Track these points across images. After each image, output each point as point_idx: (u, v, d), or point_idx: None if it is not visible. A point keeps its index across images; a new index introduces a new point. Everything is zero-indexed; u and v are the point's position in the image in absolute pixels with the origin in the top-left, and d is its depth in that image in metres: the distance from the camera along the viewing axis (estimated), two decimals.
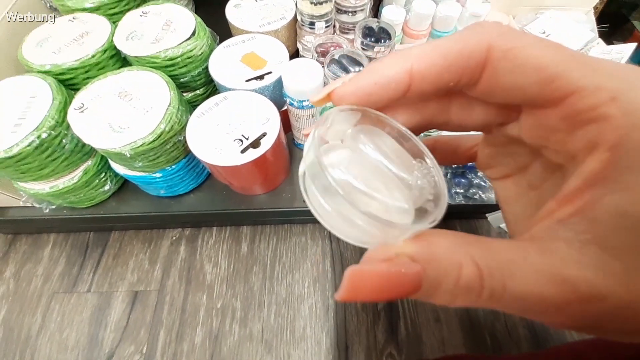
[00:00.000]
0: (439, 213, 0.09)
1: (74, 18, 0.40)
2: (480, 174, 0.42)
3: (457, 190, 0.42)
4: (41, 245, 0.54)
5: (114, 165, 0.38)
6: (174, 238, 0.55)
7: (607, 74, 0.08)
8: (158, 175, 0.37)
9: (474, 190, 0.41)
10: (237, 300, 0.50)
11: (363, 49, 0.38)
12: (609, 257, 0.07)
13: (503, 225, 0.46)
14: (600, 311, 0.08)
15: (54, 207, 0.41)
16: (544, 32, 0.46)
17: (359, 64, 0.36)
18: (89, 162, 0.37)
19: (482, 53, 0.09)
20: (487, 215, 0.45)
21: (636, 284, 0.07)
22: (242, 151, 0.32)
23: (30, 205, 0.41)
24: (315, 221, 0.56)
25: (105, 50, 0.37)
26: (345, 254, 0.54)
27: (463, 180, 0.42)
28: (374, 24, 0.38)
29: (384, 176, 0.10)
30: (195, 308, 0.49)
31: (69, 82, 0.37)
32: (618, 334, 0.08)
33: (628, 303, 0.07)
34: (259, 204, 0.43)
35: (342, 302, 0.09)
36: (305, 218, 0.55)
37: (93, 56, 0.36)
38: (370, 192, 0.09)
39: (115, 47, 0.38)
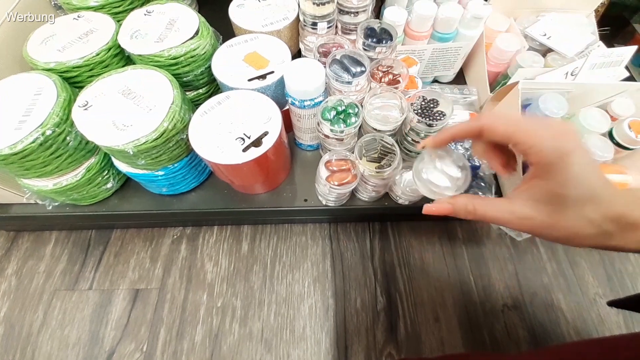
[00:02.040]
0: (463, 189, 0.24)
1: (78, 16, 0.40)
2: (479, 175, 0.42)
3: None
4: (43, 242, 0.55)
5: (117, 163, 0.38)
6: (175, 236, 0.55)
7: (534, 133, 0.18)
8: (160, 173, 0.37)
9: (474, 191, 0.42)
10: (237, 299, 0.50)
11: (365, 49, 0.38)
12: (537, 204, 0.19)
13: (503, 227, 0.46)
14: (531, 225, 0.19)
15: (57, 204, 0.41)
16: (545, 35, 0.46)
17: (360, 64, 0.36)
18: (93, 160, 0.38)
19: (479, 129, 0.20)
20: None
21: (549, 216, 0.18)
22: (244, 150, 0.33)
23: (33, 202, 0.41)
24: (315, 221, 0.56)
25: (110, 49, 0.37)
26: (345, 254, 0.54)
27: None
28: (375, 24, 0.39)
29: (442, 173, 0.24)
30: (196, 306, 0.49)
31: (74, 80, 0.37)
32: (546, 239, 0.20)
33: (546, 224, 0.19)
34: (259, 203, 0.44)
35: (425, 213, 0.23)
36: (306, 218, 0.55)
37: (97, 54, 0.37)
38: (436, 181, 0.24)
39: (119, 46, 0.38)
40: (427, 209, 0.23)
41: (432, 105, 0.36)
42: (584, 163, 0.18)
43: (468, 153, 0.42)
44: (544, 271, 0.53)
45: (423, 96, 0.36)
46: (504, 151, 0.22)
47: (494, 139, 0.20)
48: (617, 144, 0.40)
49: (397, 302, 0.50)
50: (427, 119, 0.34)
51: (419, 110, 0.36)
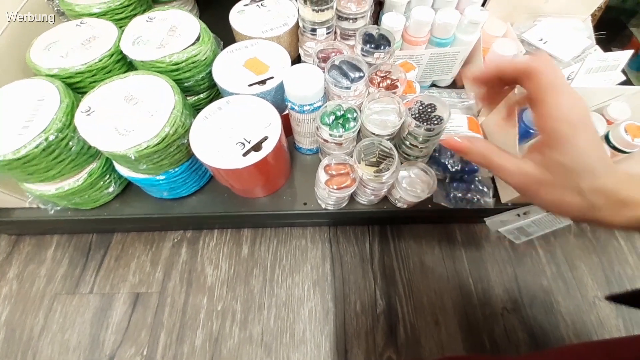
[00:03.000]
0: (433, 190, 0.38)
1: (81, 23, 0.41)
2: (478, 179, 0.42)
3: (456, 194, 0.42)
4: (45, 246, 0.55)
5: (119, 168, 0.38)
6: (176, 240, 0.55)
7: (558, 102, 0.20)
8: (161, 177, 0.37)
9: (472, 195, 0.42)
10: (238, 303, 0.50)
11: (363, 55, 0.38)
12: (539, 166, 0.20)
13: (501, 230, 0.46)
14: (526, 181, 0.21)
15: (59, 208, 0.41)
16: (542, 39, 0.47)
17: (359, 69, 0.37)
18: (94, 164, 0.38)
19: (530, 70, 0.21)
20: (485, 219, 0.45)
21: (545, 177, 0.20)
22: (244, 154, 0.33)
23: (35, 206, 0.42)
24: (315, 225, 0.56)
25: (112, 55, 0.38)
26: (345, 257, 0.54)
27: (461, 184, 0.43)
28: (374, 30, 0.39)
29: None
30: (196, 310, 0.49)
31: (76, 86, 0.38)
32: (535, 202, 0.22)
33: (540, 183, 0.20)
34: (260, 207, 0.44)
35: (441, 142, 0.25)
36: (305, 221, 0.55)
37: (100, 60, 0.37)
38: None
39: (121, 52, 0.38)
40: (445, 140, 0.24)
41: (429, 110, 0.36)
42: (588, 138, 0.19)
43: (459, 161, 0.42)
44: (543, 274, 0.54)
45: (421, 101, 0.37)
46: (499, 98, 0.26)
47: (530, 89, 0.21)
48: (614, 148, 0.41)
49: (397, 306, 0.50)
50: (425, 124, 0.35)
51: (417, 115, 0.36)
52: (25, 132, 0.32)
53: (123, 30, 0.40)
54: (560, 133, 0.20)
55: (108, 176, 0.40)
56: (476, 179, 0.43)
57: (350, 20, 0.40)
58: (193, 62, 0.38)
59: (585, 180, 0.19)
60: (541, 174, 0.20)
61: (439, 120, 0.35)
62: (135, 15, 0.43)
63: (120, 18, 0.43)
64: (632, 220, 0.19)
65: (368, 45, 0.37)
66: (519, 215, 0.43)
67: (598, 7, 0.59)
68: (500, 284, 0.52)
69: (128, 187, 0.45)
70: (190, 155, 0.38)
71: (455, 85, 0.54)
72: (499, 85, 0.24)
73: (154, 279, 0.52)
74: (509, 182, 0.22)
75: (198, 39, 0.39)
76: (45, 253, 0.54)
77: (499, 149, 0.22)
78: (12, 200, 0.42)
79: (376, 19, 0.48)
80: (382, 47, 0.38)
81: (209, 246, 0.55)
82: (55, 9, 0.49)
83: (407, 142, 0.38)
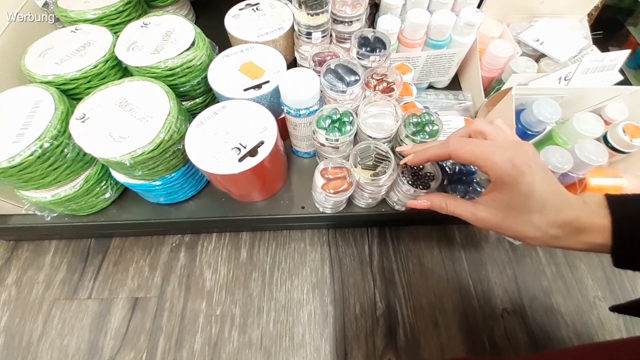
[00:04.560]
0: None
1: (76, 29, 0.41)
2: (475, 180, 0.42)
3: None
4: (43, 251, 0.55)
5: (115, 174, 0.38)
6: (174, 244, 0.55)
7: (493, 158, 0.23)
8: (157, 183, 0.37)
9: (470, 197, 0.42)
10: (236, 307, 0.50)
11: (359, 58, 0.38)
12: (494, 210, 0.24)
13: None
14: (486, 225, 0.24)
15: (55, 214, 0.41)
16: (538, 40, 0.47)
17: (355, 73, 0.37)
18: (90, 171, 0.38)
19: (448, 154, 0.26)
20: None
21: (502, 220, 0.23)
22: (240, 159, 0.33)
23: (32, 212, 0.42)
24: (314, 227, 0.56)
25: (107, 61, 0.38)
26: (344, 260, 0.54)
27: (460, 186, 0.42)
28: (369, 34, 0.39)
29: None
30: (195, 315, 0.49)
31: (71, 92, 0.38)
32: (502, 234, 0.25)
33: (498, 226, 0.24)
34: (257, 211, 0.44)
35: (409, 207, 0.31)
36: (304, 224, 0.55)
37: (95, 66, 0.37)
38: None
39: (116, 57, 0.38)
40: (410, 203, 0.31)
41: (420, 167, 0.37)
42: (535, 180, 0.21)
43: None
44: (543, 275, 0.53)
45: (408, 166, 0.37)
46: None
47: (461, 162, 0.25)
48: (612, 148, 0.40)
49: (397, 308, 0.50)
50: (420, 186, 0.35)
51: (410, 178, 0.37)
52: (20, 139, 0.32)
53: (118, 36, 0.40)
54: (504, 178, 0.22)
55: (104, 182, 0.40)
56: (474, 180, 0.43)
57: (346, 24, 0.40)
58: (188, 67, 0.38)
59: (538, 217, 0.21)
60: (494, 216, 0.23)
61: (431, 177, 0.36)
62: (130, 20, 0.43)
63: (115, 24, 0.43)
64: (590, 245, 0.21)
65: (364, 49, 0.37)
66: None
67: (595, 7, 0.59)
68: (500, 285, 0.52)
69: (125, 193, 0.44)
70: (186, 160, 0.38)
71: (452, 86, 0.54)
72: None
73: (153, 284, 0.52)
74: (473, 224, 0.26)
75: (193, 43, 0.39)
76: (44, 259, 0.54)
77: (454, 199, 0.27)
78: (9, 207, 0.42)
79: (372, 21, 0.48)
80: (377, 50, 0.38)
81: (208, 250, 0.55)
82: (50, 14, 0.49)
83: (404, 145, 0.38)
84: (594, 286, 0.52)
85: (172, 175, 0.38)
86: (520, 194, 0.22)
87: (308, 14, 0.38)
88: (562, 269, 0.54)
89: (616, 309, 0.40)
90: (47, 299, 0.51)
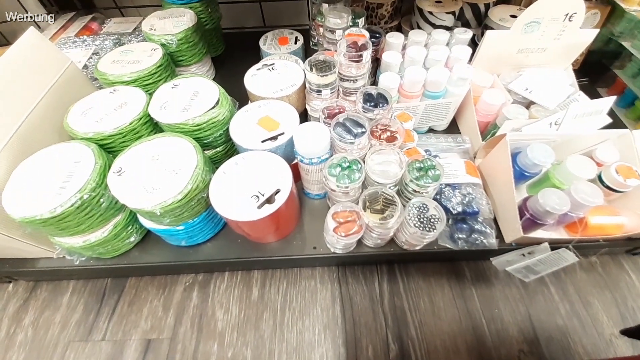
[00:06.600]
0: None
1: (114, 90, 0.46)
2: (480, 220, 0.44)
3: (460, 236, 0.44)
4: (61, 291, 0.56)
5: (142, 220, 0.41)
6: (187, 284, 0.57)
7: None
8: (181, 228, 0.40)
9: (475, 236, 0.43)
10: (248, 349, 0.50)
11: (364, 111, 0.43)
12: None
13: (509, 269, 0.47)
14: None
15: (83, 258, 0.44)
16: (527, 89, 0.51)
17: (361, 125, 0.41)
18: (119, 217, 0.41)
19: None
20: (491, 259, 0.46)
21: None
22: (259, 207, 0.36)
23: (62, 256, 0.44)
24: (324, 264, 0.57)
25: (141, 119, 0.43)
26: (354, 298, 0.54)
27: (464, 225, 0.44)
28: (373, 90, 0.44)
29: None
30: (206, 357, 0.49)
31: (108, 146, 0.42)
32: None
33: None
34: (271, 252, 0.46)
35: None
36: (314, 263, 0.56)
37: (130, 124, 0.42)
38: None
39: (149, 115, 0.43)
40: None
41: (424, 211, 0.40)
42: None
43: (466, 199, 0.45)
44: (557, 312, 0.53)
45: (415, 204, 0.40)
46: None
47: None
48: (608, 187, 0.43)
49: (410, 350, 0.49)
50: (426, 229, 0.38)
51: (417, 222, 0.39)
52: (62, 192, 0.35)
53: (151, 95, 0.45)
54: None
55: (131, 227, 0.43)
56: (478, 219, 0.45)
57: (352, 81, 0.45)
58: (213, 123, 0.42)
59: None
60: None
61: (436, 219, 0.39)
62: (161, 80, 0.49)
63: (148, 84, 0.49)
64: None
65: (368, 104, 0.42)
66: (524, 254, 0.44)
67: (580, 53, 0.64)
68: (514, 323, 0.51)
69: (147, 236, 0.47)
70: (207, 205, 0.41)
71: (451, 129, 0.58)
72: None
73: (166, 324, 0.53)
74: None
75: (217, 102, 0.43)
76: (61, 299, 0.56)
77: None
78: (39, 252, 0.44)
79: (375, 73, 0.54)
80: (380, 105, 0.42)
81: (220, 289, 0.56)
82: (90, 76, 0.55)
83: (409, 189, 0.41)
84: (609, 323, 0.51)
85: (195, 220, 0.41)
86: None
87: (318, 75, 0.44)
88: (576, 306, 0.53)
89: (627, 332, 0.40)
90: (62, 341, 0.51)
